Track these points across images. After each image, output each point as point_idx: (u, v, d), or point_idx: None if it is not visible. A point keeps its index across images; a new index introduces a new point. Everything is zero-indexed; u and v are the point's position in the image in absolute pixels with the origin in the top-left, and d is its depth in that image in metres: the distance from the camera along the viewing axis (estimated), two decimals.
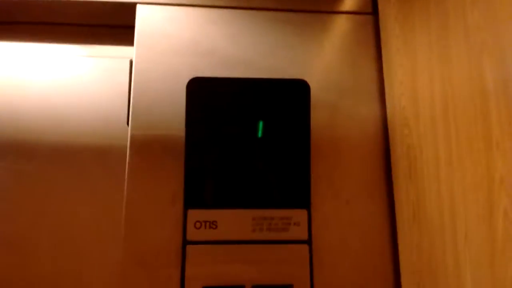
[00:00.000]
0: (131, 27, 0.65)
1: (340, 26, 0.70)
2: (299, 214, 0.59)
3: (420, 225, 0.54)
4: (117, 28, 0.72)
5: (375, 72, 0.68)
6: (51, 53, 0.75)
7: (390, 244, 0.61)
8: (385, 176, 0.63)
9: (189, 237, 0.57)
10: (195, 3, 0.67)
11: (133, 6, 0.66)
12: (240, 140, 0.60)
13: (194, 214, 0.58)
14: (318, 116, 0.64)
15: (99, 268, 0.68)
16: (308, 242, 0.59)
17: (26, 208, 0.70)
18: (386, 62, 0.66)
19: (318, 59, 0.67)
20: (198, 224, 0.58)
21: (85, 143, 0.72)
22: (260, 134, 0.60)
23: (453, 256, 0.47)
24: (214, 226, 0.58)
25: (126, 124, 0.63)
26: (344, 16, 0.70)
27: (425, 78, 0.55)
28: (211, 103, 0.60)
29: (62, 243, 0.70)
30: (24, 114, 0.73)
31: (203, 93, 0.60)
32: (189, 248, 0.57)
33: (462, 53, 0.48)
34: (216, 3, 0.68)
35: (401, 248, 0.59)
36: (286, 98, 0.61)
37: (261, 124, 0.60)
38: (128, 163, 0.61)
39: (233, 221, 0.58)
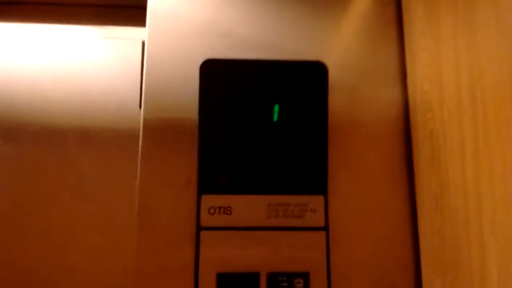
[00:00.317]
0: (143, 8, 0.63)
1: (360, 6, 0.67)
2: (316, 200, 0.58)
3: (443, 213, 0.52)
4: (129, 8, 0.70)
5: (396, 54, 0.65)
6: (61, 34, 0.73)
7: (410, 231, 0.59)
8: (406, 161, 0.61)
9: (203, 223, 0.56)
10: None
11: None
12: (255, 124, 0.58)
13: (208, 200, 0.57)
14: (336, 99, 0.62)
15: (113, 255, 0.68)
16: (325, 228, 0.57)
17: (38, 193, 0.70)
18: (409, 44, 0.63)
19: (337, 40, 0.65)
20: (212, 210, 0.56)
21: (97, 126, 0.71)
22: (276, 117, 0.58)
23: (478, 248, 0.45)
24: (228, 212, 0.56)
25: (138, 107, 0.61)
26: None
27: (450, 61, 0.52)
28: (226, 85, 0.58)
29: (75, 230, 0.69)
30: (33, 97, 0.72)
31: (217, 75, 0.58)
32: (203, 234, 0.56)
33: (492, 35, 0.45)
34: None
35: (422, 236, 0.58)
36: (303, 81, 0.59)
37: (277, 107, 0.58)
38: (141, 147, 0.59)
39: (248, 207, 0.57)
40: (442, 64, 0.54)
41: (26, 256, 0.69)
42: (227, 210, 0.56)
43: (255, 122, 0.58)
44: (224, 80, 0.58)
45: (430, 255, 0.55)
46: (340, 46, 0.65)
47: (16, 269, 0.69)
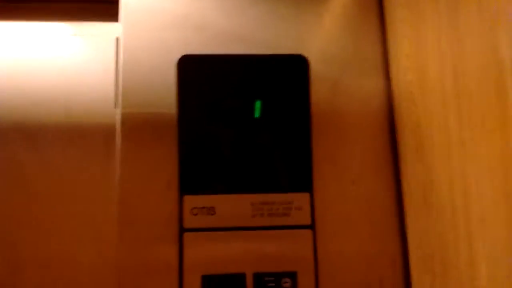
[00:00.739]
0: (116, 2, 0.60)
1: None
2: (301, 198, 0.56)
3: (431, 208, 0.52)
4: (101, 3, 0.67)
5: (378, 43, 0.64)
6: (32, 31, 0.70)
7: (398, 227, 0.58)
8: (392, 155, 0.60)
9: (186, 224, 0.54)
10: None
11: None
12: (236, 121, 0.56)
13: (191, 200, 0.55)
14: (318, 92, 0.60)
15: (93, 261, 0.66)
16: (312, 227, 0.56)
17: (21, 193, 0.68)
18: (391, 33, 0.62)
19: (317, 31, 0.63)
20: (195, 211, 0.55)
21: (70, 125, 0.69)
22: (257, 113, 0.57)
23: (467, 243, 0.44)
24: (212, 212, 0.55)
25: (113, 107, 0.59)
26: None
27: (433, 51, 0.51)
28: (204, 82, 0.56)
29: (54, 231, 0.67)
30: (8, 94, 0.69)
31: (195, 71, 0.56)
32: (186, 235, 0.54)
33: (474, 24, 0.44)
34: None
35: (410, 231, 0.57)
36: (283, 75, 0.57)
37: (258, 103, 0.56)
38: (119, 146, 0.57)
39: (232, 207, 0.55)
40: (426, 53, 0.53)
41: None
42: (210, 210, 0.55)
43: (236, 118, 0.56)
44: (202, 76, 0.56)
45: (418, 251, 0.54)
46: (320, 37, 0.63)
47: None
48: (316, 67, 0.61)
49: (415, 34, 0.55)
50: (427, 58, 0.52)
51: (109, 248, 0.67)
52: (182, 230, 0.54)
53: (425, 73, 0.53)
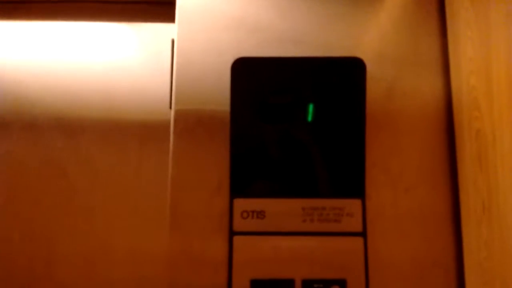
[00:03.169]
0: (173, 3, 0.61)
1: None
2: (353, 204, 0.55)
3: (491, 220, 0.49)
4: (158, 4, 0.68)
5: (438, 46, 0.61)
6: (89, 31, 0.72)
7: (453, 238, 0.56)
8: (449, 162, 0.57)
9: (236, 227, 0.54)
10: None
11: None
12: (289, 124, 0.56)
13: (241, 204, 0.55)
14: (373, 95, 0.59)
15: (130, 256, 0.68)
16: (363, 234, 0.55)
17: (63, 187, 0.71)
18: (453, 36, 0.59)
19: (373, 31, 0.61)
20: (245, 214, 0.54)
21: (124, 124, 0.71)
22: (311, 117, 0.56)
23: None
24: (261, 216, 0.54)
25: (168, 108, 0.60)
26: None
27: (501, 56, 0.48)
28: (258, 84, 0.56)
29: (92, 227, 0.70)
30: (66, 93, 0.72)
31: (249, 74, 0.56)
32: (236, 239, 0.54)
33: None
34: None
35: (466, 243, 0.54)
36: (339, 78, 0.56)
37: (312, 106, 0.55)
38: (172, 147, 0.58)
39: (282, 211, 0.55)
40: (491, 58, 0.50)
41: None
42: (260, 214, 0.54)
43: (289, 122, 0.55)
44: (256, 79, 0.56)
45: (476, 265, 0.52)
46: (377, 38, 0.61)
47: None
48: (371, 69, 0.59)
49: (481, 37, 0.52)
50: (494, 63, 0.50)
51: (145, 243, 0.69)
52: (232, 233, 0.54)
53: (491, 78, 0.50)
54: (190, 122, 0.58)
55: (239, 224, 0.54)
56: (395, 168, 0.58)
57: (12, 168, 0.72)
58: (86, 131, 0.72)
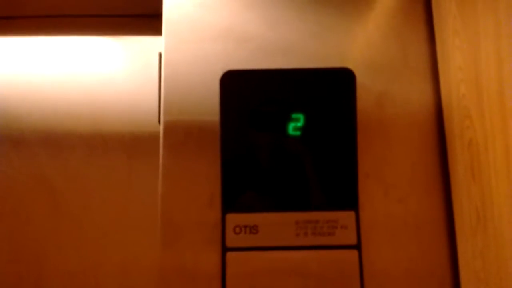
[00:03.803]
0: (159, 16, 0.60)
1: (387, 4, 0.63)
2: (347, 216, 0.54)
3: (486, 230, 0.49)
4: (144, 17, 0.68)
5: (427, 55, 0.61)
6: (75, 45, 0.71)
7: (448, 248, 0.55)
8: (442, 171, 0.57)
9: (229, 243, 0.53)
10: None
11: None
12: (280, 137, 0.55)
13: (233, 219, 0.54)
14: (363, 105, 0.58)
15: (118, 270, 0.67)
16: (357, 247, 0.54)
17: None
18: (441, 45, 0.59)
19: (363, 41, 0.61)
20: (237, 229, 0.53)
21: (112, 138, 0.70)
22: (302, 129, 0.55)
23: None
24: (254, 231, 0.53)
25: (158, 122, 0.59)
26: None
27: (491, 64, 0.48)
28: (248, 97, 0.55)
29: (80, 242, 0.69)
30: (53, 108, 0.71)
31: (239, 86, 0.55)
32: (229, 255, 0.53)
33: None
34: None
35: (461, 253, 0.54)
36: (330, 89, 0.55)
37: (303, 118, 0.55)
38: (162, 161, 0.57)
39: (275, 226, 0.54)
40: (481, 66, 0.50)
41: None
42: (253, 229, 0.53)
43: (280, 134, 0.55)
44: (246, 91, 0.55)
45: (472, 276, 0.51)
46: (366, 47, 0.61)
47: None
48: (361, 78, 0.58)
49: (470, 45, 0.52)
50: (484, 71, 0.50)
51: (135, 258, 0.68)
52: (224, 249, 0.53)
53: (481, 87, 0.50)
54: (179, 134, 0.57)
55: (232, 239, 0.53)
56: (388, 178, 0.57)
57: None
58: (74, 145, 0.71)
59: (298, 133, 0.55)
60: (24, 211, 0.70)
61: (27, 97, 0.71)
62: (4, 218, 0.70)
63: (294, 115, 0.55)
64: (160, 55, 0.59)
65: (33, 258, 0.69)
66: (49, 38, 0.71)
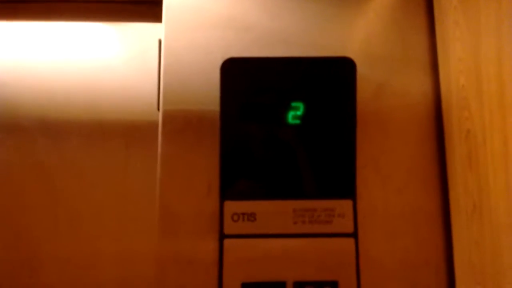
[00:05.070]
0: (159, 3, 0.60)
1: None
2: (344, 205, 0.55)
3: (482, 220, 0.49)
4: (145, 3, 0.67)
5: (427, 46, 0.61)
6: (74, 31, 0.71)
7: (444, 238, 0.56)
8: (439, 162, 0.58)
9: (226, 230, 0.54)
10: None
11: None
12: (279, 125, 0.55)
13: (231, 206, 0.54)
14: (363, 95, 0.58)
15: (114, 258, 0.67)
16: (354, 235, 0.54)
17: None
18: (441, 35, 0.59)
19: (363, 32, 0.61)
20: (235, 217, 0.54)
21: (112, 127, 0.70)
22: (301, 118, 0.55)
23: None
24: (252, 219, 0.54)
25: (156, 109, 0.59)
26: None
27: (492, 55, 0.48)
28: (248, 85, 0.55)
29: (76, 230, 0.69)
30: (50, 95, 0.71)
31: (239, 74, 0.55)
32: (227, 242, 0.53)
33: None
34: None
35: (456, 243, 0.54)
36: (330, 78, 0.55)
37: (303, 106, 0.55)
38: (160, 149, 0.57)
39: (273, 213, 0.54)
40: (481, 57, 0.50)
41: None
42: (251, 216, 0.54)
43: (279, 123, 0.55)
44: (246, 79, 0.55)
45: (467, 265, 0.52)
46: (366, 38, 0.61)
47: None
48: (360, 69, 0.58)
49: (470, 37, 0.52)
50: (483, 63, 0.50)
51: (132, 246, 0.68)
52: (222, 236, 0.53)
53: (481, 78, 0.50)
54: (178, 123, 0.57)
55: (229, 227, 0.54)
56: (385, 168, 0.58)
57: None
58: (71, 133, 0.71)
59: (297, 121, 0.55)
60: (21, 199, 0.70)
61: (25, 84, 0.71)
62: (0, 205, 0.70)
63: (294, 104, 0.55)
64: (159, 41, 0.58)
65: (30, 245, 0.69)
66: (47, 24, 0.71)
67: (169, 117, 0.57)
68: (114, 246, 0.69)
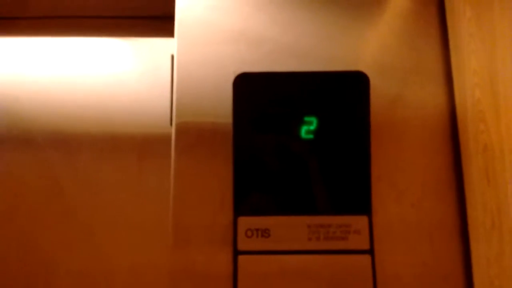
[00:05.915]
0: (171, 18, 0.60)
1: (400, 7, 0.62)
2: (359, 221, 0.54)
3: (502, 235, 0.48)
4: (157, 19, 0.68)
5: (441, 58, 0.60)
6: (87, 47, 0.71)
7: (462, 254, 0.55)
8: (456, 176, 0.57)
9: (240, 246, 0.53)
10: None
11: None
12: (293, 140, 0.55)
13: (245, 222, 0.53)
14: (376, 108, 0.57)
15: (127, 272, 0.67)
16: (370, 252, 0.53)
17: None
18: (455, 48, 0.58)
19: (376, 44, 0.60)
20: (249, 233, 0.53)
21: (125, 141, 0.70)
22: (314, 132, 0.55)
23: None
24: (266, 235, 0.53)
25: (168, 123, 0.59)
26: None
27: (508, 67, 0.48)
28: (261, 100, 0.55)
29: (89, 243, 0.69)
30: (63, 110, 0.71)
31: (252, 89, 0.55)
32: (241, 258, 0.53)
33: None
34: None
35: (475, 259, 0.53)
36: (343, 93, 0.55)
37: (316, 121, 0.54)
38: (173, 164, 0.57)
39: (287, 229, 0.53)
40: (497, 70, 0.50)
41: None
42: (265, 232, 0.53)
43: (293, 138, 0.54)
44: (259, 94, 0.55)
45: (486, 282, 0.51)
46: (379, 50, 0.60)
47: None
48: (374, 81, 0.58)
49: (485, 49, 0.52)
50: (500, 75, 0.49)
51: (145, 260, 0.68)
52: (236, 252, 0.53)
53: (497, 91, 0.49)
54: (191, 136, 0.57)
55: (243, 243, 0.53)
56: (401, 182, 0.57)
57: (9, 187, 0.70)
58: (84, 147, 0.71)
59: (311, 136, 0.54)
60: (34, 212, 0.70)
61: (38, 98, 0.71)
62: (14, 219, 0.70)
63: (307, 118, 0.54)
64: (172, 57, 0.59)
65: (43, 259, 0.69)
66: (60, 39, 0.72)
67: (182, 131, 0.57)
68: (127, 260, 0.69)
